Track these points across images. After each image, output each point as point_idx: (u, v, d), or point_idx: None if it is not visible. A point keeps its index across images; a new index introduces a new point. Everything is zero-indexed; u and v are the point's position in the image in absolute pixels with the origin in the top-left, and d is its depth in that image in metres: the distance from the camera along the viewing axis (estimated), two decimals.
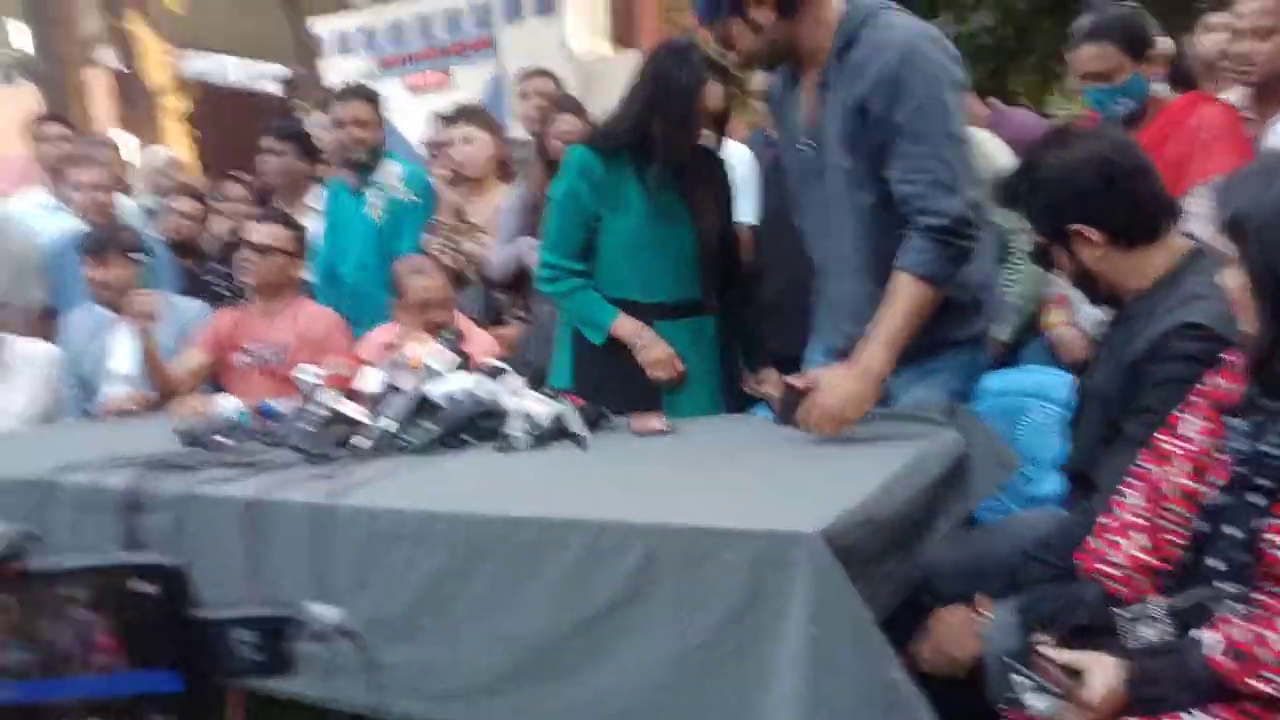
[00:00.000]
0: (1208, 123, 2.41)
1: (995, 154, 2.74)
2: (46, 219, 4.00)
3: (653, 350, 2.41)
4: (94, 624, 0.57)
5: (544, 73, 4.11)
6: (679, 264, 2.44)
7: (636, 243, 2.41)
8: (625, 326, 2.41)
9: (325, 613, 0.65)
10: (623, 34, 11.88)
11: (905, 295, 1.89)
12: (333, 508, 1.78)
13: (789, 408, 1.91)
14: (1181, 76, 2.94)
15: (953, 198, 1.89)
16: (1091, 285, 1.76)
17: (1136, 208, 1.68)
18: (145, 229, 3.98)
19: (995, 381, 2.28)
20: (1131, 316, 1.69)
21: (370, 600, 1.72)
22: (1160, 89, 2.57)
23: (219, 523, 1.90)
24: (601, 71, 10.51)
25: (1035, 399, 2.44)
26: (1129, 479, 1.51)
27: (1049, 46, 5.34)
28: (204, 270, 3.95)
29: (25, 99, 9.27)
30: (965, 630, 1.61)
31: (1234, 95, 2.63)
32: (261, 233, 3.16)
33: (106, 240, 3.30)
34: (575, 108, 3.36)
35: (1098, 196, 1.66)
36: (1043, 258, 1.82)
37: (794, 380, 1.94)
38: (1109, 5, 2.58)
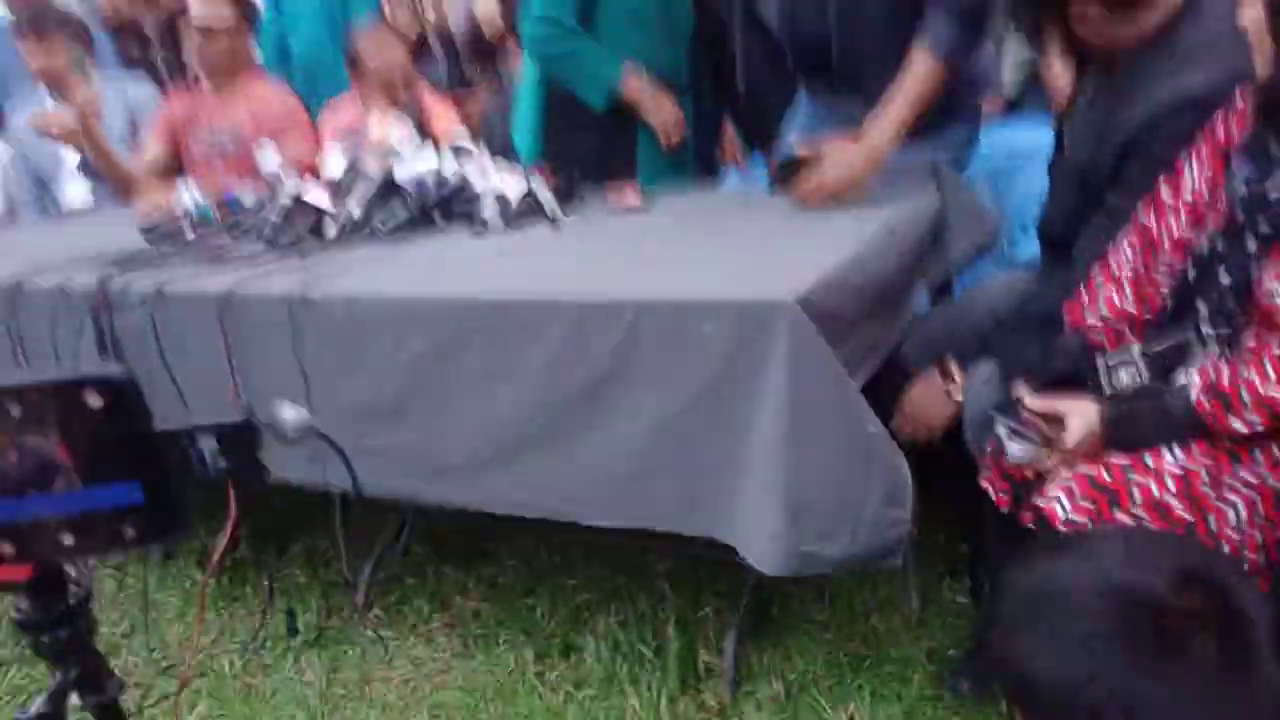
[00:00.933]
0: None
1: None
2: None
3: (666, 110, 2.31)
4: (46, 441, 0.55)
5: None
6: (675, 41, 2.32)
7: (641, 14, 2.27)
8: (635, 84, 2.28)
9: (291, 415, 0.63)
10: None
11: (921, 74, 1.83)
12: (311, 298, 1.75)
13: (786, 175, 1.85)
14: None
15: None
16: (1086, 54, 1.66)
17: None
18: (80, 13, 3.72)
19: (987, 140, 2.20)
20: (1118, 75, 1.58)
21: (356, 387, 1.73)
22: None
23: (194, 319, 1.88)
24: None
25: (1027, 159, 2.36)
26: (1126, 231, 1.48)
27: None
28: (147, 54, 3.72)
29: None
30: (937, 395, 1.64)
31: None
32: (203, 11, 2.94)
33: (44, 18, 3.08)
34: None
35: None
36: (1034, 36, 1.72)
37: (800, 149, 1.87)
38: None
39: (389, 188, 2.15)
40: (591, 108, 2.32)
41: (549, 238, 1.98)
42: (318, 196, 2.17)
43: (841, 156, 1.83)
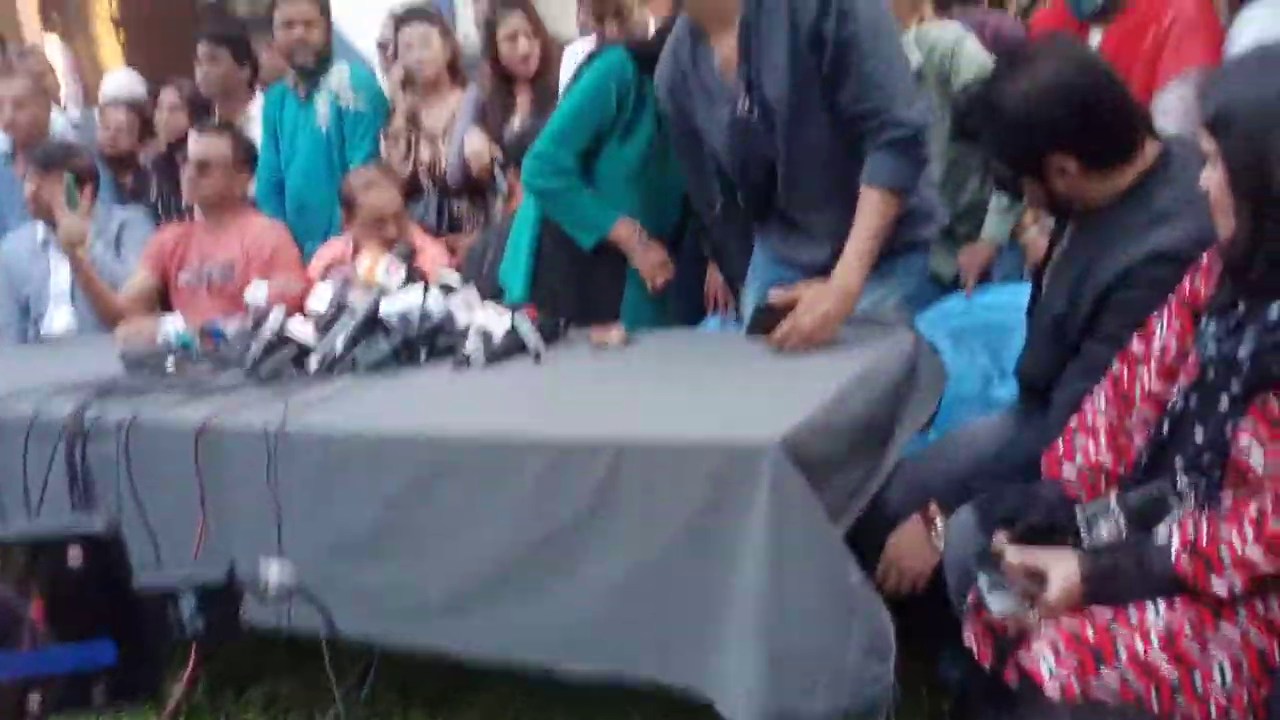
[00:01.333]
0: (1182, 14, 2.33)
1: (978, 55, 2.64)
2: None
3: (653, 254, 2.38)
4: (21, 597, 0.53)
5: None
6: (668, 197, 2.40)
7: (640, 173, 2.35)
8: (624, 229, 2.35)
9: (276, 573, 0.61)
10: None
11: (876, 210, 1.88)
12: (287, 432, 1.74)
13: (762, 324, 1.89)
14: None
15: (912, 108, 1.88)
16: (1065, 208, 1.71)
17: (1109, 129, 1.61)
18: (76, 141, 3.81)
19: (987, 296, 2.26)
20: (1095, 229, 1.64)
21: (329, 525, 1.70)
22: None
23: (169, 450, 1.86)
24: None
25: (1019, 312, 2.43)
26: (1100, 382, 1.50)
27: None
28: (142, 186, 3.80)
29: None
30: (920, 543, 1.62)
31: None
32: (201, 146, 3.02)
33: (54, 155, 3.15)
34: (523, 5, 3.22)
35: (1068, 125, 1.58)
36: (1010, 187, 1.76)
37: (772, 298, 1.91)
38: None
39: (373, 322, 2.17)
40: (581, 248, 2.37)
41: (531, 375, 1.98)
42: (301, 330, 2.18)
43: (814, 300, 1.87)
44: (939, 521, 1.62)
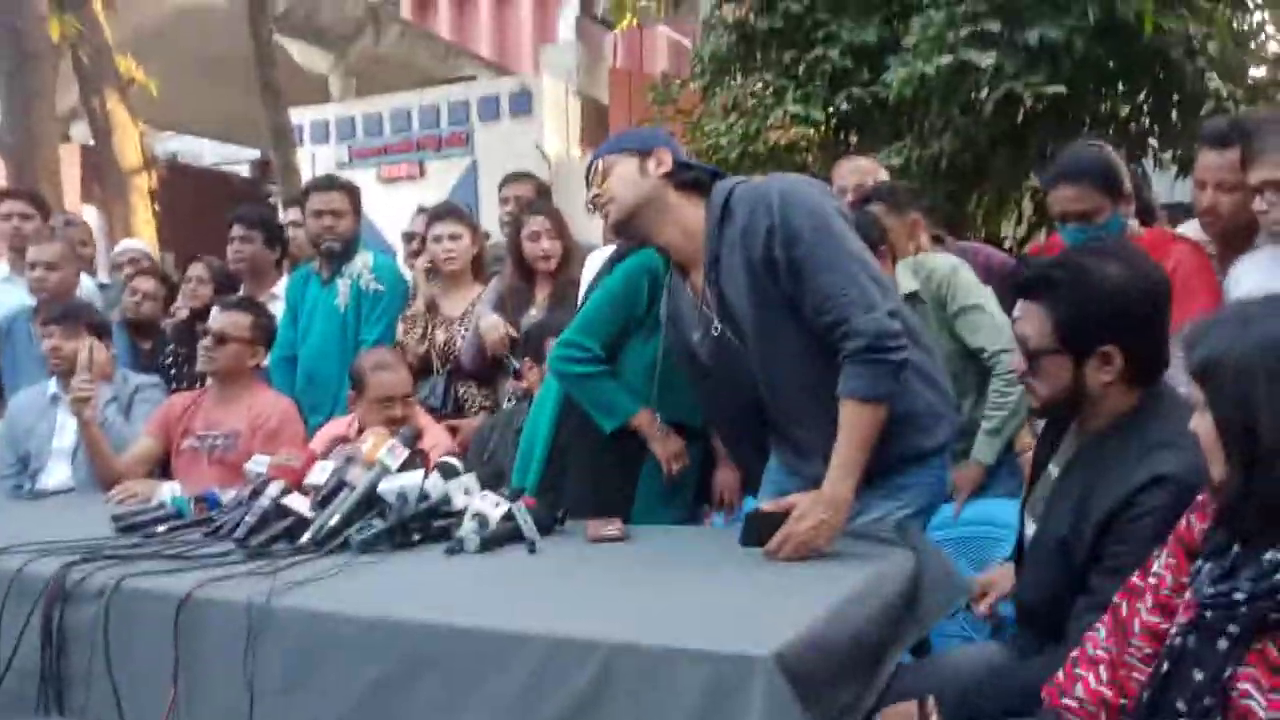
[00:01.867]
0: (1184, 265, 2.41)
1: (972, 281, 2.77)
2: (3, 290, 3.95)
3: (671, 443, 2.42)
4: None
5: (523, 177, 4.18)
6: (686, 393, 2.44)
7: (660, 367, 2.41)
8: (646, 416, 2.41)
9: None
10: (594, 138, 12.19)
11: (854, 421, 1.91)
12: (270, 608, 1.70)
13: (756, 531, 1.89)
14: (1141, 208, 3.01)
15: (870, 313, 1.90)
16: (1068, 407, 1.73)
17: (1161, 343, 1.65)
18: (102, 308, 3.93)
19: (971, 510, 2.25)
20: (1092, 456, 1.68)
21: (304, 707, 1.64)
22: (1132, 225, 2.62)
23: (149, 618, 1.81)
24: (572, 173, 10.73)
25: (1010, 531, 2.42)
26: (1101, 614, 1.49)
27: (1005, 173, 5.54)
28: (160, 353, 3.89)
29: None
30: None
31: (1190, 229, 2.71)
32: (222, 320, 3.12)
33: (75, 314, 3.25)
34: (548, 210, 3.41)
35: (1140, 322, 1.62)
36: (1031, 366, 1.71)
37: (765, 505, 1.93)
38: (1083, 145, 2.65)
39: (371, 500, 2.17)
40: (597, 437, 2.40)
41: (524, 565, 1.96)
42: (298, 501, 2.18)
43: (807, 510, 1.87)
44: (934, 715, 1.57)
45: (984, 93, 4.89)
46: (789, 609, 1.54)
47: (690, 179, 2.09)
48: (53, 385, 3.26)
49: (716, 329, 2.06)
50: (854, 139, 5.88)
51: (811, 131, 5.64)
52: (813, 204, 1.95)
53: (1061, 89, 4.74)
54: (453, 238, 3.53)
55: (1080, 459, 1.72)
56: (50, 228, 4.17)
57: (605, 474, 2.42)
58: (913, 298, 2.71)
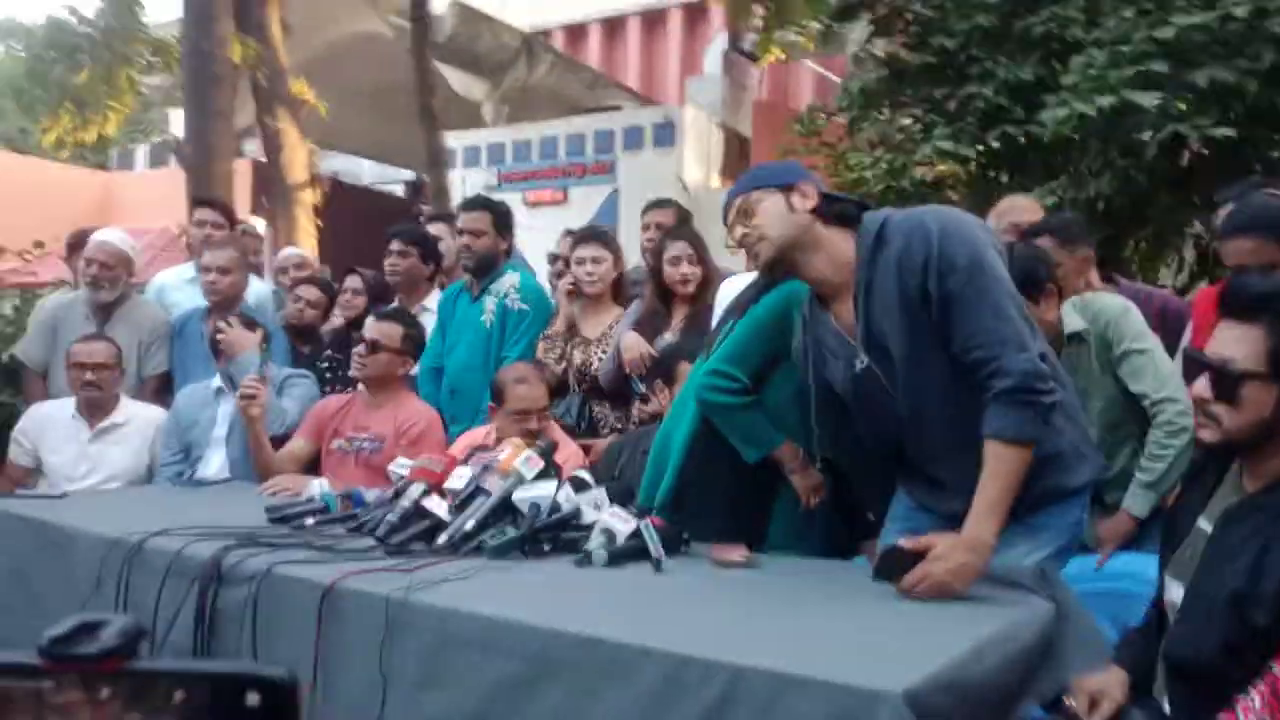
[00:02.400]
0: None
1: (1140, 324, 2.65)
2: (188, 291, 4.26)
3: (812, 476, 2.41)
4: None
5: (666, 203, 4.25)
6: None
7: (802, 395, 2.39)
8: (789, 449, 2.40)
9: None
10: (734, 169, 12.24)
11: (997, 462, 1.86)
12: (407, 602, 1.77)
13: (891, 567, 1.86)
14: None
15: (1022, 353, 1.86)
16: (1255, 442, 1.61)
17: None
18: (270, 312, 4.19)
19: (1116, 563, 2.14)
20: (1264, 508, 1.59)
21: (434, 701, 1.69)
22: None
23: (294, 604, 1.92)
24: (712, 203, 10.79)
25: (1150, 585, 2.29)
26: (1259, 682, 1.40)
27: (1164, 218, 5.28)
28: (318, 357, 4.11)
29: (172, 180, 9.93)
30: None
31: None
32: (376, 330, 3.28)
33: (243, 318, 3.51)
34: (690, 236, 3.45)
35: None
36: (1225, 387, 1.60)
37: (904, 543, 1.89)
38: (1262, 196, 2.52)
39: (505, 508, 2.23)
40: (731, 467, 2.40)
41: (651, 582, 1.98)
42: (437, 505, 2.26)
43: (947, 549, 1.82)
44: None
45: (1147, 134, 4.68)
46: (922, 647, 1.51)
47: (837, 211, 2.08)
48: (217, 380, 3.48)
49: (863, 362, 2.03)
50: (1005, 178, 5.72)
51: (960, 169, 5.52)
52: (970, 237, 1.92)
53: (1231, 132, 4.50)
54: (595, 261, 3.60)
55: (1249, 508, 1.62)
56: (230, 236, 4.46)
57: (740, 502, 2.41)
58: (1076, 337, 2.61)
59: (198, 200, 4.75)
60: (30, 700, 0.56)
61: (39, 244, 7.12)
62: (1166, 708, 1.69)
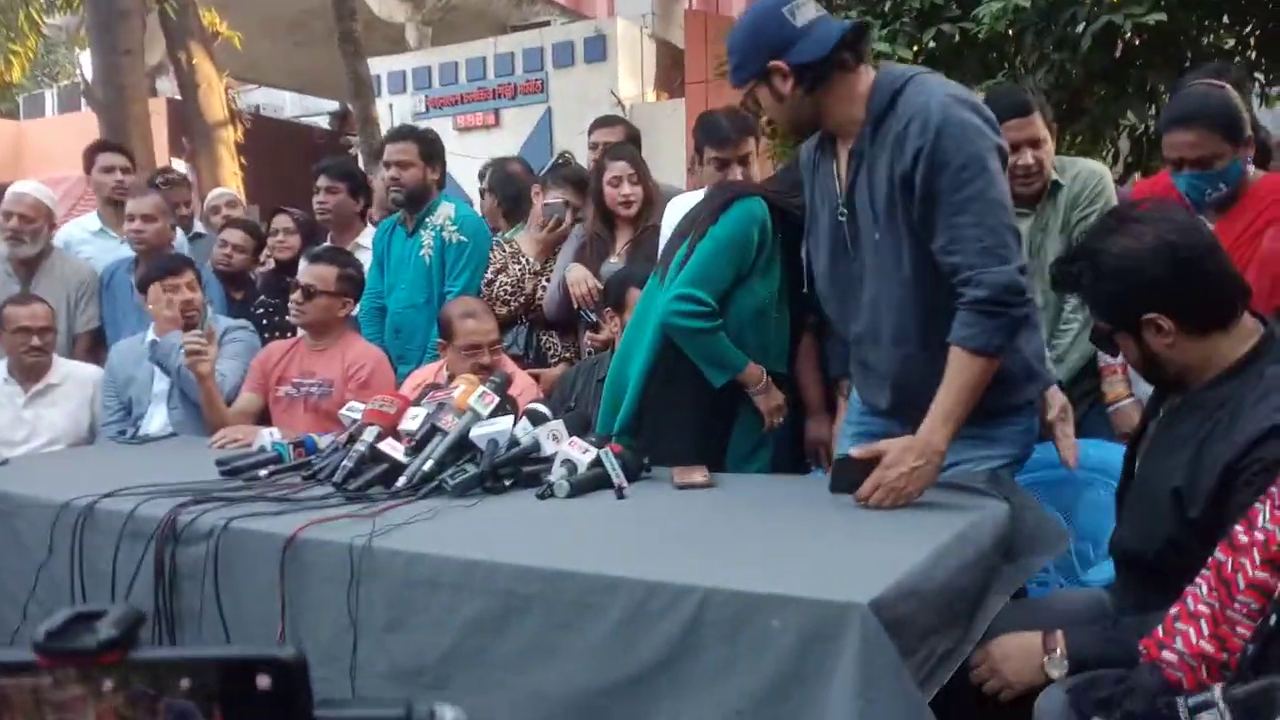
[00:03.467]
0: None
1: (1109, 195, 2.69)
2: (97, 244, 4.09)
3: (774, 397, 2.43)
4: (202, 717, 0.54)
5: (613, 121, 4.16)
6: (780, 338, 2.45)
7: (766, 312, 2.41)
8: (755, 371, 2.40)
9: (449, 715, 0.61)
10: (668, 81, 12.05)
11: (960, 370, 1.86)
12: (372, 548, 1.76)
13: (845, 477, 1.88)
14: (1257, 148, 2.84)
15: (1002, 266, 1.84)
16: (1158, 371, 1.71)
17: (1208, 293, 1.63)
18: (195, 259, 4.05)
19: (1053, 452, 2.20)
20: (1202, 405, 1.63)
21: (405, 644, 1.69)
22: (1250, 170, 2.48)
23: (254, 558, 1.89)
24: (648, 116, 10.64)
25: (1098, 474, 2.36)
26: (1203, 569, 1.46)
27: (1100, 110, 5.31)
28: (251, 302, 4.00)
29: (85, 125, 9.50)
30: (1032, 655, 1.59)
31: None
32: (310, 273, 3.19)
33: (176, 267, 3.35)
34: (629, 155, 3.39)
35: (1168, 284, 1.61)
36: (1106, 343, 1.78)
37: (854, 451, 1.90)
38: (1203, 86, 2.48)
39: (463, 445, 2.21)
40: (689, 389, 2.40)
41: (614, 511, 1.99)
42: (393, 447, 2.23)
43: (898, 455, 1.84)
44: (1059, 652, 1.57)
45: (1081, 26, 4.67)
46: (884, 557, 1.54)
47: (841, 59, 1.94)
48: (151, 333, 3.37)
49: (842, 214, 2.02)
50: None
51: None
52: (969, 138, 1.84)
53: (1164, 17, 4.51)
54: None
55: (1189, 406, 1.67)
56: (147, 181, 4.28)
57: (702, 426, 2.41)
58: (1055, 186, 2.68)
59: (101, 145, 4.50)
60: (28, 699, 0.54)
61: None
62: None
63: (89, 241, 4.17)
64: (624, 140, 3.80)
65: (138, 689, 0.54)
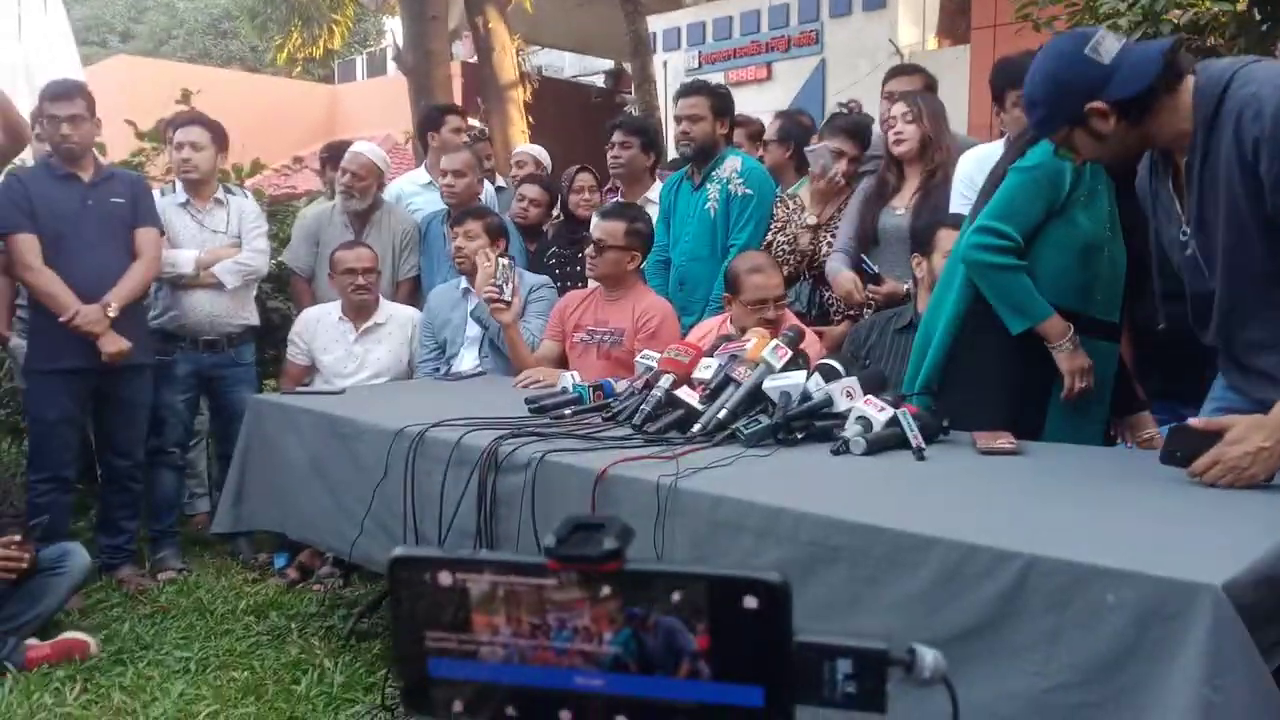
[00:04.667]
0: None
1: None
2: (426, 196, 4.49)
3: (1079, 357, 2.26)
4: (688, 630, 0.59)
5: (908, 70, 4.04)
6: (1114, 282, 2.29)
7: (1092, 248, 2.25)
8: (1057, 326, 2.25)
9: (932, 658, 0.63)
10: (952, 28, 11.42)
11: None
12: (677, 489, 1.83)
13: (1180, 449, 1.74)
14: None
15: None
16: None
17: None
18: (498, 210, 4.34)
19: None
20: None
21: None
22: None
23: (567, 489, 2.02)
24: (928, 65, 10.14)
25: None
26: None
27: None
28: (544, 253, 4.23)
29: (393, 88, 10.33)
30: None
31: None
32: (600, 229, 3.34)
33: (477, 216, 3.64)
34: (904, 96, 3.29)
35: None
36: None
37: (1194, 421, 1.75)
38: None
39: (756, 396, 2.25)
40: (1002, 345, 2.29)
41: (915, 470, 1.95)
42: (688, 394, 2.30)
43: (1244, 431, 1.67)
44: None
45: None
46: (1228, 539, 1.41)
47: (1166, 82, 1.79)
48: (464, 280, 3.66)
49: (1186, 235, 1.87)
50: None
51: (1226, 9, 4.89)
52: None
53: None
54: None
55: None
56: (462, 142, 4.62)
57: (1012, 390, 2.30)
58: None
59: (445, 108, 4.93)
60: (534, 597, 0.61)
61: (298, 159, 7.65)
62: None
63: (419, 194, 4.58)
64: (922, 89, 3.66)
65: (632, 597, 0.59)
